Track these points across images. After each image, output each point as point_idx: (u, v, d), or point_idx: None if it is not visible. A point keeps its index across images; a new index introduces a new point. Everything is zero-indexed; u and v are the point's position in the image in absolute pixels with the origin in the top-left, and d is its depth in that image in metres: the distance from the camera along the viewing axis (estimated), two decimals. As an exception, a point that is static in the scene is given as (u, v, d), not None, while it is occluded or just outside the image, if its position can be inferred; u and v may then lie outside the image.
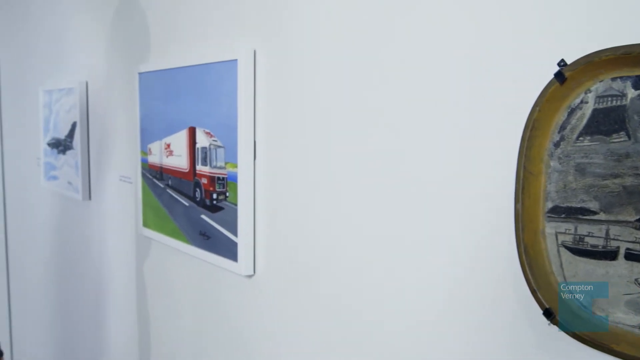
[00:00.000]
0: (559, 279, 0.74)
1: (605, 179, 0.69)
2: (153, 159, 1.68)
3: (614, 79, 0.68)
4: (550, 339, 0.77)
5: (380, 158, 1.01)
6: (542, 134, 0.74)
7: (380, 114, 1.00)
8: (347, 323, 1.11)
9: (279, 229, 1.26)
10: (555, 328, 0.73)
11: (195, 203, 1.49)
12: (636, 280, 0.67)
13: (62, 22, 2.40)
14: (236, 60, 1.28)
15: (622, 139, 0.67)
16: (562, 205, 0.73)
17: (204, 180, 1.44)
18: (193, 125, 1.47)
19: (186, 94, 1.50)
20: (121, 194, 1.98)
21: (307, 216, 1.18)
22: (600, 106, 0.69)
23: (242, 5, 1.32)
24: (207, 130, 1.41)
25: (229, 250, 1.36)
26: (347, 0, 1.05)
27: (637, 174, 0.66)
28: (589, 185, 0.70)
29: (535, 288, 0.75)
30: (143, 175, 1.75)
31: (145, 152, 1.73)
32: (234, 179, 1.32)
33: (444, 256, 0.92)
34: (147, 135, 1.71)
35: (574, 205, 0.72)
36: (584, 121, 0.71)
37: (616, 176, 0.68)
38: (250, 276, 1.35)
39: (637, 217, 0.66)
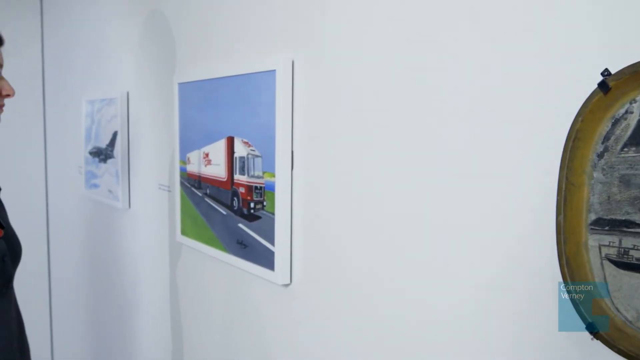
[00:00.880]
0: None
1: (652, 191, 0.67)
2: (192, 168, 1.71)
3: (660, 89, 0.67)
4: (594, 354, 0.76)
5: (420, 168, 1.00)
6: (585, 144, 0.73)
7: (420, 123, 1.00)
8: (384, 337, 1.10)
9: (316, 238, 1.26)
10: (598, 343, 0.72)
11: (232, 212, 1.51)
12: (684, 295, 0.65)
13: (103, 35, 2.47)
14: (274, 70, 1.29)
15: (669, 150, 0.66)
16: (605, 217, 0.72)
17: (242, 190, 1.45)
18: (231, 134, 1.49)
19: (224, 104, 1.52)
20: (160, 202, 2.01)
21: (344, 225, 1.18)
22: (646, 117, 0.68)
23: (280, 16, 1.33)
24: (245, 140, 1.43)
25: (265, 259, 1.37)
26: (385, 9, 1.06)
27: (685, 186, 0.65)
28: (634, 197, 0.69)
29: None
30: (182, 184, 1.78)
31: (184, 161, 1.75)
32: (271, 188, 1.33)
33: (483, 269, 0.91)
34: (186, 144, 1.74)
35: (618, 217, 0.70)
36: (629, 132, 0.69)
37: (663, 188, 0.66)
38: (286, 285, 1.35)
39: (685, 231, 0.65)
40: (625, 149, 0.70)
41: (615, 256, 0.71)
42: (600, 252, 0.72)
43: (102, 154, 2.44)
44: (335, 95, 1.18)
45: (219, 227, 1.58)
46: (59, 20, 3.11)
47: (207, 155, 1.62)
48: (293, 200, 1.31)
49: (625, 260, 0.70)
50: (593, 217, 0.73)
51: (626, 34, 0.72)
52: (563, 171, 0.75)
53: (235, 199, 1.49)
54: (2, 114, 1.35)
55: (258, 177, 1.38)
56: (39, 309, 3.45)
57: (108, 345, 2.62)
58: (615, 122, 0.71)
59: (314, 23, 1.23)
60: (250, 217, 1.43)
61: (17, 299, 1.45)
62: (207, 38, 1.65)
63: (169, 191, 1.92)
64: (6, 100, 1.36)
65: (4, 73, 1.35)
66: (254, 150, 1.40)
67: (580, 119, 0.73)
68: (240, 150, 1.45)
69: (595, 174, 0.73)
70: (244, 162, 1.44)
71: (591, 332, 0.72)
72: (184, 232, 1.79)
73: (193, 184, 1.71)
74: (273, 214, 1.33)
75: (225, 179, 1.53)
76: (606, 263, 0.72)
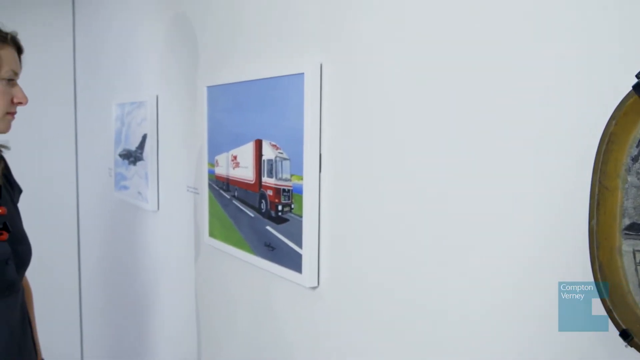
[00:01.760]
0: (637, 299, 0.71)
1: (688, 196, 0.66)
2: (220, 171, 1.72)
3: (697, 92, 0.65)
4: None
5: (449, 171, 1.00)
6: (619, 148, 0.72)
7: (449, 126, 0.99)
8: (412, 341, 1.10)
9: (344, 242, 1.26)
10: (633, 351, 0.71)
11: (260, 214, 1.51)
12: None
13: (132, 38, 2.50)
14: (303, 73, 1.30)
15: None
16: (640, 222, 0.70)
17: (270, 192, 1.46)
18: (259, 137, 1.50)
19: (253, 107, 1.53)
20: (188, 204, 2.03)
21: (372, 228, 1.18)
22: (683, 120, 0.67)
23: (308, 20, 1.34)
24: (273, 143, 1.44)
25: (293, 262, 1.38)
26: (414, 12, 1.05)
27: None
28: (670, 201, 0.67)
29: (610, 307, 0.72)
30: (210, 186, 1.79)
31: (212, 163, 1.77)
32: (299, 191, 1.34)
33: (514, 272, 0.90)
34: (214, 147, 1.75)
35: (653, 222, 0.69)
36: (665, 135, 0.68)
37: (700, 193, 0.65)
38: (314, 288, 1.35)
39: None
40: (661, 153, 0.68)
41: (650, 262, 0.70)
42: (634, 258, 0.71)
43: (132, 156, 2.48)
44: (363, 98, 1.18)
45: (246, 230, 1.59)
46: (90, 22, 3.17)
47: (235, 157, 1.63)
48: (321, 203, 1.32)
49: (660, 266, 0.69)
50: (627, 221, 0.72)
51: (662, 35, 0.70)
52: (596, 175, 0.73)
53: (263, 201, 1.50)
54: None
55: (286, 179, 1.39)
56: (69, 309, 3.52)
57: (136, 345, 2.65)
58: (651, 125, 0.69)
59: (342, 26, 1.24)
60: (278, 220, 1.43)
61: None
62: (234, 41, 1.66)
63: (197, 193, 1.94)
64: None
65: (25, 81, 1.35)
66: (282, 153, 1.40)
67: (614, 122, 0.72)
68: (268, 153, 1.46)
69: (629, 178, 0.72)
70: (272, 164, 1.45)
71: (625, 339, 0.71)
72: (211, 234, 1.80)
73: (221, 186, 1.72)
74: (301, 216, 1.33)
75: (253, 182, 1.54)
76: (641, 269, 0.71)
